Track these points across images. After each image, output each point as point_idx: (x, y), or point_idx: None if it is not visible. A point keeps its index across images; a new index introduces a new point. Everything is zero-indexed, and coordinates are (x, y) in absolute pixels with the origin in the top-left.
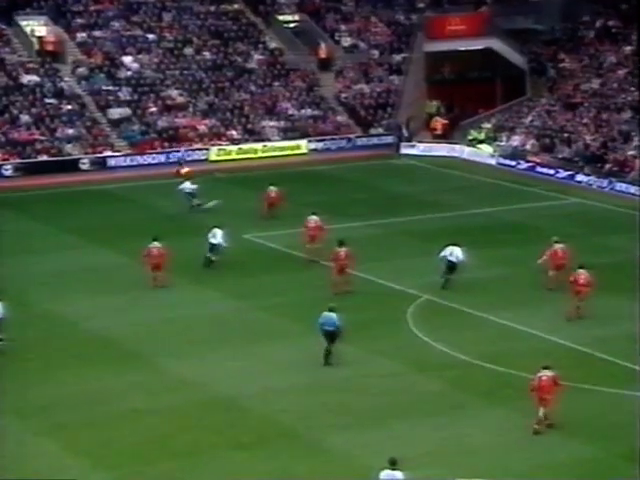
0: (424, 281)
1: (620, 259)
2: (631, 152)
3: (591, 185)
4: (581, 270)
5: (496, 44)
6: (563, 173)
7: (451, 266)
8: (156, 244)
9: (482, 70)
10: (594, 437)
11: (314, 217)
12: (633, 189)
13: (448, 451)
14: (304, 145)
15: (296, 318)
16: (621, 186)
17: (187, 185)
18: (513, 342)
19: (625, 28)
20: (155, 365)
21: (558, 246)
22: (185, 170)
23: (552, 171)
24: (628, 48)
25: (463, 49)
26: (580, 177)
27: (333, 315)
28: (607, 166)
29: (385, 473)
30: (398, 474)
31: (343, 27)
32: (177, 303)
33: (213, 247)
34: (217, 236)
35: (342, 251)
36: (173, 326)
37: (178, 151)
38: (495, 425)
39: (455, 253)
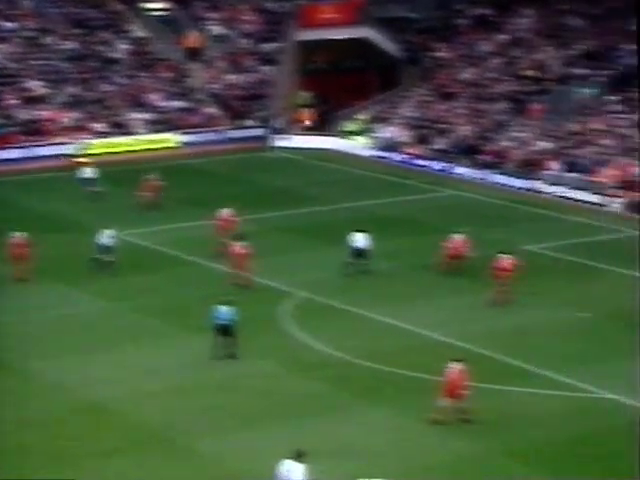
0: (301, 278)
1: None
2: (507, 143)
3: (467, 177)
4: (503, 255)
5: (370, 33)
6: (439, 165)
7: (358, 253)
8: (18, 235)
9: (356, 60)
10: (473, 435)
11: (226, 210)
12: (509, 180)
13: (327, 452)
14: (173, 138)
15: (168, 319)
16: (497, 177)
17: (87, 171)
18: (393, 339)
19: (500, 16)
20: (22, 370)
21: (457, 237)
22: (81, 160)
23: (428, 163)
24: (503, 37)
25: (336, 38)
26: (456, 169)
27: (227, 309)
28: (483, 157)
29: (286, 464)
30: (297, 466)
31: (212, 15)
32: (45, 304)
33: (104, 248)
34: (106, 237)
35: (239, 245)
36: (40, 328)
37: (41, 145)
38: (376, 425)
39: (360, 240)
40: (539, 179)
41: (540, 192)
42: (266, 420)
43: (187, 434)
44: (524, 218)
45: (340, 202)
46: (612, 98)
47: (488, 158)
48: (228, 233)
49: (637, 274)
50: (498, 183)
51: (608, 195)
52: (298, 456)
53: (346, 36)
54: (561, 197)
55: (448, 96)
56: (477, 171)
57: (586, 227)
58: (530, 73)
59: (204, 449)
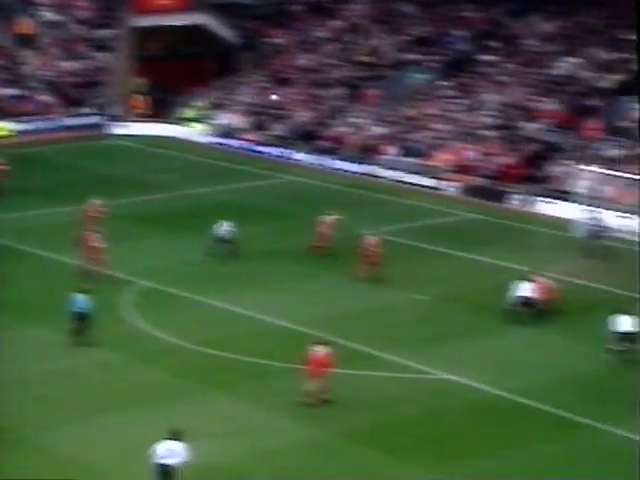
0: (143, 266)
1: (349, 235)
2: (344, 128)
3: (305, 162)
4: (370, 236)
5: (206, 19)
6: (277, 151)
7: (222, 240)
8: None
9: (193, 46)
10: (313, 418)
11: (94, 201)
12: (347, 165)
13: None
14: (7, 126)
15: (8, 311)
16: (335, 163)
17: None
18: (235, 326)
19: (334, 3)
20: None
21: (328, 218)
22: None
23: (266, 149)
24: (337, 23)
25: (172, 24)
26: (294, 154)
27: (83, 297)
28: (321, 143)
29: (164, 445)
30: (177, 446)
31: (44, 1)
32: None
33: None
34: None
35: (94, 236)
36: None
37: None
38: (217, 411)
39: (225, 227)
40: (376, 164)
41: (377, 177)
42: (106, 410)
43: (20, 426)
44: (362, 203)
45: (180, 189)
46: (445, 83)
47: (326, 144)
48: (93, 223)
49: (471, 256)
50: (336, 168)
51: (443, 179)
52: (175, 435)
53: (181, 22)
54: (398, 181)
55: (284, 82)
56: (315, 157)
57: (423, 210)
58: (365, 59)
59: (37, 441)
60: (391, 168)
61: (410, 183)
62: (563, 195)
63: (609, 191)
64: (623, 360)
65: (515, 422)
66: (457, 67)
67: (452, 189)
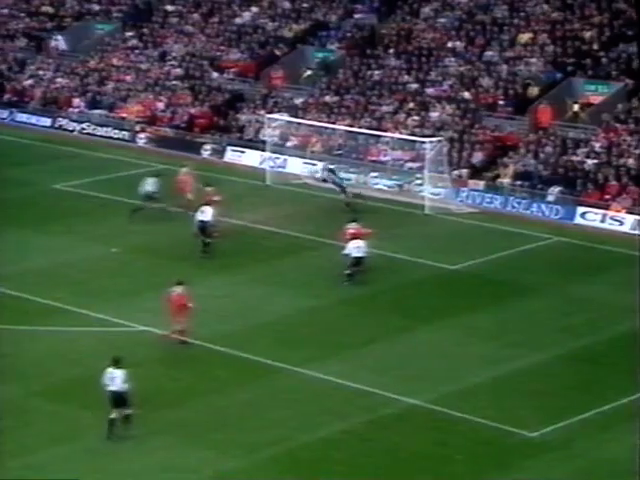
0: None
1: (27, 193)
2: (28, 81)
3: None
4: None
5: None
6: None
7: (148, 197)
8: None
9: None
10: (7, 378)
11: None
12: (34, 119)
13: None
14: None
15: None
16: (22, 116)
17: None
18: None
19: None
20: None
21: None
22: None
23: None
24: None
25: None
26: None
27: None
28: (6, 96)
29: (108, 372)
30: (118, 372)
31: None
32: None
33: None
34: None
35: None
36: None
37: None
38: None
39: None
40: (63, 117)
41: (65, 130)
42: None
43: None
44: (52, 156)
45: None
46: (130, 34)
47: (11, 97)
48: None
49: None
50: (22, 122)
51: (133, 131)
52: (116, 363)
53: None
54: (87, 134)
55: None
56: (0, 110)
57: (114, 163)
58: (46, 9)
59: None
60: (78, 121)
61: (100, 136)
62: (252, 144)
63: (296, 138)
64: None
65: (212, 369)
66: (141, 17)
67: (142, 141)
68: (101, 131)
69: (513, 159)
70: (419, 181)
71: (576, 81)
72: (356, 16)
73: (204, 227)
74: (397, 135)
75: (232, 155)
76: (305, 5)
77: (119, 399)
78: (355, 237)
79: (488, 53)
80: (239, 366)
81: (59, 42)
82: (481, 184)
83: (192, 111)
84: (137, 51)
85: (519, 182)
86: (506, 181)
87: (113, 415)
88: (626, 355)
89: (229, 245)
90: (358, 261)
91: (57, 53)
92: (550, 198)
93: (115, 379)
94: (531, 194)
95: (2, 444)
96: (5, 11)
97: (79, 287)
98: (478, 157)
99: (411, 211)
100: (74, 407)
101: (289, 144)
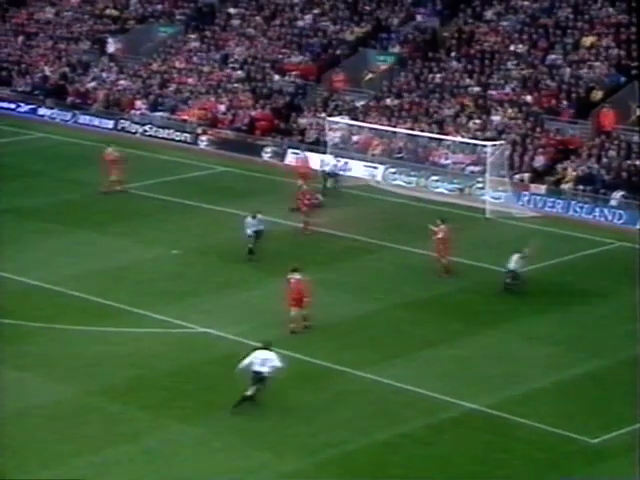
0: None
1: (91, 194)
2: (91, 84)
3: (54, 119)
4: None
5: None
6: (24, 107)
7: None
8: None
9: None
10: (71, 377)
11: None
12: (97, 121)
13: None
14: None
15: None
16: (85, 118)
17: None
18: None
19: None
20: None
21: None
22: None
23: (12, 105)
24: None
25: None
26: (42, 111)
27: None
28: (69, 98)
29: (259, 353)
30: (270, 354)
31: None
32: None
33: None
34: None
35: None
36: None
37: None
38: None
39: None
40: (126, 119)
41: (128, 132)
42: None
43: None
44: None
45: None
46: (192, 37)
47: (74, 99)
48: None
49: (225, 209)
50: (85, 124)
51: (195, 133)
52: (267, 345)
53: None
54: (149, 136)
55: (28, 36)
56: (63, 112)
57: (176, 165)
58: (109, 12)
59: None
60: (140, 123)
61: (161, 138)
62: (314, 147)
63: (357, 141)
64: None
65: None
66: (203, 20)
67: (204, 143)
68: (163, 133)
69: (575, 163)
70: (480, 185)
71: None
72: (418, 19)
73: (258, 233)
74: (458, 138)
75: (293, 158)
76: (367, 8)
77: (260, 379)
78: None
79: (551, 56)
80: (299, 369)
81: (110, 45)
82: (543, 188)
83: (253, 114)
84: (199, 54)
85: (581, 187)
86: (568, 186)
87: (249, 392)
88: None
89: (289, 247)
90: (515, 275)
91: (110, 54)
92: (613, 203)
93: (266, 361)
94: (594, 199)
95: (62, 442)
96: (69, 14)
97: (140, 288)
98: (540, 161)
99: (472, 215)
100: (133, 408)
101: (351, 146)
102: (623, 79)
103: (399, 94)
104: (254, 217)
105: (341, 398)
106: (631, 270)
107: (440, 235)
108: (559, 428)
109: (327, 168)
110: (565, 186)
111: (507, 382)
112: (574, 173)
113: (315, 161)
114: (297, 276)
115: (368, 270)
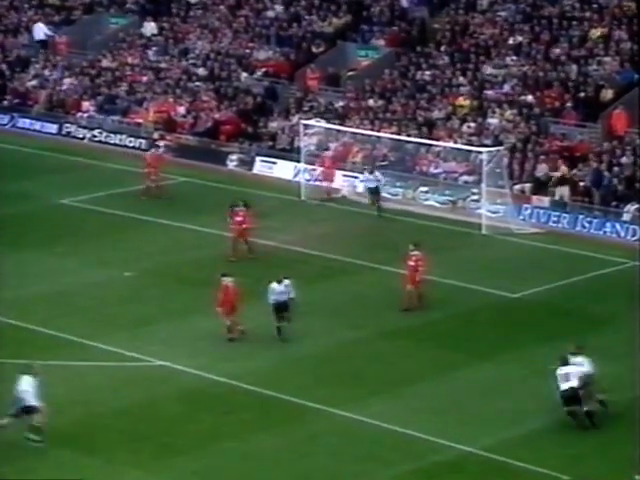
0: None
1: (30, 209)
2: (32, 82)
3: None
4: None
5: None
6: None
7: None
8: None
9: None
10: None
11: None
12: (38, 125)
13: None
14: None
15: None
16: (24, 122)
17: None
18: None
19: None
20: None
21: None
22: None
23: None
24: None
25: None
26: None
27: None
28: (6, 99)
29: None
30: (580, 360)
31: None
32: None
33: None
34: None
35: None
36: None
37: None
38: None
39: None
40: (71, 122)
41: (74, 137)
42: None
43: None
44: (57, 168)
45: None
46: (147, 29)
47: (12, 100)
48: None
49: (184, 225)
50: (25, 128)
51: (150, 138)
52: (578, 348)
53: None
54: (98, 142)
55: None
56: (0, 115)
57: (128, 175)
58: (52, 0)
59: None
60: (89, 127)
61: (112, 144)
62: (285, 154)
63: (335, 147)
64: None
65: (237, 410)
66: (159, 10)
67: (161, 150)
68: (114, 139)
69: (582, 171)
70: (475, 197)
71: None
72: (404, 7)
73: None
74: (450, 144)
75: (262, 166)
76: None
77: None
78: None
79: (555, 51)
80: (268, 407)
81: (38, 30)
82: (546, 200)
83: (217, 117)
84: (155, 48)
85: (588, 199)
86: (566, 194)
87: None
88: None
89: (257, 269)
90: None
91: (64, 50)
92: (626, 217)
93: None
94: (604, 212)
95: None
96: (5, 2)
97: (88, 315)
98: (543, 169)
99: (466, 231)
100: (81, 453)
101: (327, 154)
102: (637, 76)
103: (383, 94)
104: (279, 282)
105: (316, 441)
106: None
107: (411, 262)
108: (565, 474)
109: (370, 184)
110: (564, 195)
111: (506, 421)
112: (582, 183)
113: (288, 170)
114: (229, 280)
115: (346, 294)
